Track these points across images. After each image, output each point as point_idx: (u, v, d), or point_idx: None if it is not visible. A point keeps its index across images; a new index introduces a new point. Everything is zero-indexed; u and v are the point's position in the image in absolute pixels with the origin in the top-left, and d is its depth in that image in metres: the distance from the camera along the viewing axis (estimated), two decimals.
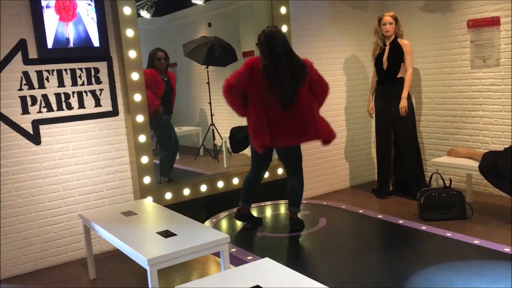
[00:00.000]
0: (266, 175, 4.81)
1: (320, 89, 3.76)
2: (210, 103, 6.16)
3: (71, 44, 3.79)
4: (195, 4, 5.81)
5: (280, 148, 3.80)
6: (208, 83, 6.18)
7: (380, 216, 4.12)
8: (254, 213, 4.39)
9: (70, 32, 3.77)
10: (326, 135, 3.75)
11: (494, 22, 4.60)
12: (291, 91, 3.57)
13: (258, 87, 3.61)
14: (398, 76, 4.88)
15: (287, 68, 3.58)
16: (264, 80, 3.57)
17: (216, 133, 6.18)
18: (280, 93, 3.55)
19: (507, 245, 3.32)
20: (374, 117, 5.17)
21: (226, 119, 6.36)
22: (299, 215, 3.95)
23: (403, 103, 4.79)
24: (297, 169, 3.86)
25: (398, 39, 4.86)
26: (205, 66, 6.11)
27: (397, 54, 4.83)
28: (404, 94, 4.80)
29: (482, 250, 3.27)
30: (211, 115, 6.19)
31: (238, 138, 5.83)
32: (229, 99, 3.71)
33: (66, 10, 3.73)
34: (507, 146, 4.22)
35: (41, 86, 3.76)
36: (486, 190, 4.90)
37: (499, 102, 4.70)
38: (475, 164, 4.19)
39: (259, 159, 3.91)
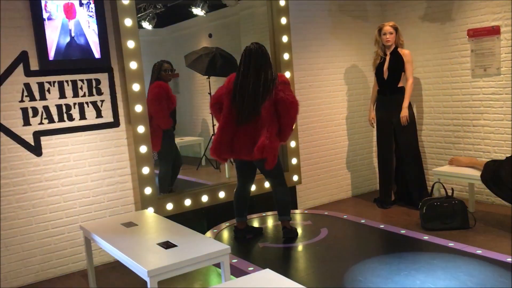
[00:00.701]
0: (267, 185, 4.81)
1: (282, 108, 3.60)
2: (211, 113, 6.17)
3: (76, 39, 3.81)
4: (196, 15, 5.84)
5: (255, 161, 3.77)
6: (209, 93, 6.19)
7: (382, 226, 4.10)
8: (256, 223, 4.38)
9: (72, 28, 3.81)
10: (270, 157, 3.62)
11: (494, 31, 4.61)
12: (250, 106, 3.61)
13: (225, 100, 3.73)
14: (399, 85, 4.89)
15: (252, 83, 3.61)
16: (230, 94, 3.70)
17: None
18: (239, 107, 3.65)
19: (510, 255, 3.30)
20: (375, 126, 5.17)
21: None
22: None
23: (404, 112, 4.79)
24: (277, 180, 3.88)
25: (399, 49, 4.87)
26: (207, 76, 6.13)
27: (397, 64, 4.84)
28: (405, 103, 4.80)
29: (484, 260, 3.24)
30: (213, 125, 6.19)
31: None
32: (212, 112, 3.95)
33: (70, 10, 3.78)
34: (508, 155, 4.20)
35: (43, 97, 3.78)
36: (489, 199, 4.88)
37: (500, 111, 4.69)
38: (477, 173, 4.17)
39: (242, 172, 3.96)
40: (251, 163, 3.85)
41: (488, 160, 4.32)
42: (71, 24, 3.81)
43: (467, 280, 2.97)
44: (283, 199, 3.89)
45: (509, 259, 3.21)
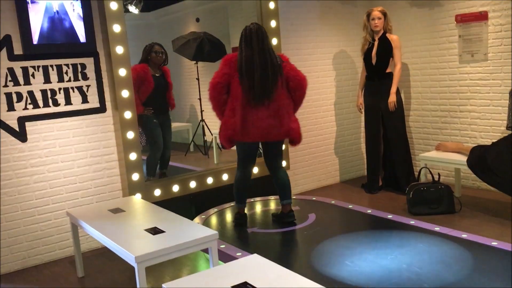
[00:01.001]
0: (256, 170, 4.82)
1: (295, 84, 3.72)
2: (200, 99, 6.12)
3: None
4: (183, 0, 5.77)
5: (276, 142, 3.80)
6: (197, 79, 6.14)
7: (370, 211, 4.14)
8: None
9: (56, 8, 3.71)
10: (297, 136, 3.78)
11: (482, 16, 4.62)
12: (263, 86, 3.59)
13: (234, 83, 3.63)
14: (387, 71, 4.89)
15: (263, 63, 3.59)
16: (237, 76, 3.62)
17: (206, 129, 6.15)
18: (252, 88, 3.58)
19: (495, 239, 3.35)
20: (363, 112, 5.18)
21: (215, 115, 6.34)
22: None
23: (392, 98, 4.80)
24: (281, 162, 3.94)
25: (387, 34, 4.86)
26: (195, 61, 6.08)
27: (386, 49, 4.83)
28: (393, 89, 4.81)
29: (470, 244, 3.29)
30: (201, 111, 6.16)
31: None
32: (215, 98, 3.71)
33: None
34: (495, 141, 4.24)
35: (27, 82, 3.72)
36: (474, 184, 4.94)
37: (487, 96, 4.72)
38: (464, 158, 4.21)
39: (250, 157, 3.88)
40: (257, 147, 3.86)
41: (475, 145, 4.36)
42: (55, 4, 3.73)
43: (453, 264, 3.01)
44: (287, 181, 3.92)
45: (494, 243, 3.25)
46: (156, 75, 4.84)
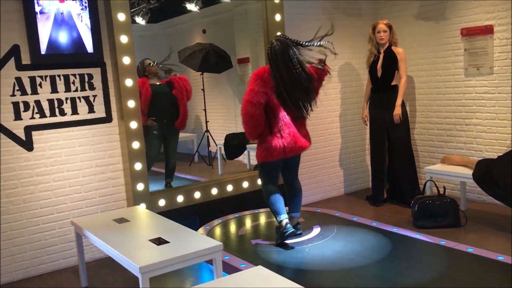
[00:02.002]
0: (260, 182, 4.80)
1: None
2: (205, 109, 6.14)
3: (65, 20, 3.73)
4: (190, 11, 5.81)
5: (290, 156, 3.76)
6: (203, 89, 6.16)
7: (374, 224, 4.11)
8: (248, 221, 4.38)
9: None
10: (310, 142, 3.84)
11: (488, 30, 4.63)
12: (300, 105, 3.64)
13: (273, 101, 3.61)
14: (392, 83, 4.89)
15: (302, 77, 3.58)
16: (276, 91, 3.60)
17: (210, 140, 6.16)
18: (291, 107, 3.61)
19: (501, 253, 3.32)
20: (368, 124, 5.18)
21: (220, 126, 6.35)
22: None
23: (397, 110, 4.80)
24: (297, 173, 3.97)
25: (392, 47, 4.88)
26: (200, 72, 6.11)
27: (391, 62, 4.84)
28: (398, 101, 4.81)
29: (475, 258, 3.26)
30: (206, 122, 6.17)
31: (233, 144, 5.83)
32: (254, 117, 3.57)
33: None
34: (500, 154, 4.23)
35: (34, 92, 3.74)
36: (480, 198, 4.91)
37: (493, 110, 4.71)
38: (469, 172, 4.19)
39: (278, 169, 3.86)
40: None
41: (480, 159, 4.34)
42: (63, 15, 3.77)
43: (458, 278, 2.98)
44: (300, 193, 3.96)
45: (500, 257, 3.23)
46: (156, 83, 4.88)
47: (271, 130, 3.64)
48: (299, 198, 3.93)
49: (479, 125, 4.85)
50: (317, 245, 3.72)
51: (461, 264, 3.19)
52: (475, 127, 4.88)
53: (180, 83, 5.07)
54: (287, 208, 3.89)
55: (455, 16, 4.90)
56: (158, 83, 4.90)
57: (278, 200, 3.77)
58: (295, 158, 3.85)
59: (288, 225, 3.68)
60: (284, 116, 3.62)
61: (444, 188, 4.43)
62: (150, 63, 4.93)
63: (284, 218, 3.73)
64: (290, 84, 3.56)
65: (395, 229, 3.92)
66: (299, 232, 3.90)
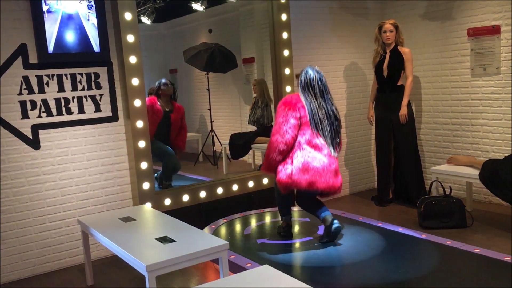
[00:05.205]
0: (265, 181, 4.82)
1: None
2: (210, 109, 6.15)
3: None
4: (196, 11, 5.82)
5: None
6: (208, 89, 6.17)
7: (380, 224, 4.10)
8: (254, 220, 4.38)
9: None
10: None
11: (495, 30, 4.61)
12: (337, 133, 3.64)
13: (308, 128, 3.56)
14: (399, 83, 4.88)
15: (334, 110, 3.62)
16: (310, 124, 3.54)
17: (215, 140, 6.17)
18: (326, 136, 3.56)
19: (507, 254, 3.31)
20: (374, 124, 5.17)
21: (225, 126, 6.35)
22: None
23: (403, 110, 4.79)
24: None
25: (399, 47, 4.87)
26: (206, 72, 6.11)
27: (397, 62, 4.83)
28: (404, 101, 4.80)
29: (482, 258, 3.25)
30: (211, 122, 6.18)
31: (238, 144, 5.83)
32: (282, 153, 3.55)
33: None
34: (507, 155, 4.21)
35: (41, 90, 3.76)
36: (486, 198, 4.89)
37: (500, 110, 4.69)
38: (475, 172, 4.17)
39: (290, 195, 3.81)
40: None
41: (487, 159, 4.33)
42: (71, 14, 3.78)
43: (464, 279, 2.97)
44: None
45: (507, 258, 3.21)
46: (166, 109, 4.95)
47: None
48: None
49: (486, 126, 4.83)
50: (323, 244, 3.71)
51: (468, 264, 3.18)
52: (482, 128, 4.87)
53: (178, 110, 5.14)
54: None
55: (462, 16, 4.89)
56: (167, 109, 4.98)
57: (285, 197, 3.75)
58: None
59: (334, 220, 3.62)
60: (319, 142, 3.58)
61: (450, 188, 4.41)
62: (167, 84, 4.99)
63: (327, 215, 3.63)
64: (333, 108, 3.61)
65: (401, 230, 3.91)
66: (338, 229, 3.70)
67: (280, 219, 3.95)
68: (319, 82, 3.59)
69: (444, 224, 4.19)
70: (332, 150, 3.59)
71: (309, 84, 3.59)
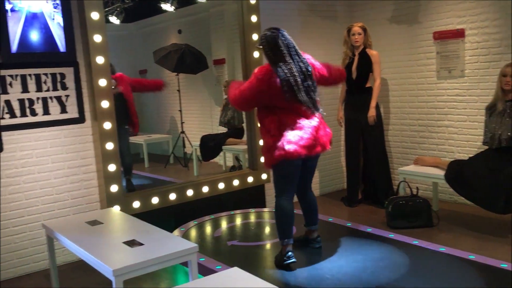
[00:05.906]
0: (236, 183, 4.80)
1: (337, 77, 3.75)
2: (180, 110, 6.10)
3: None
4: (165, 11, 5.77)
5: (310, 159, 3.39)
6: (178, 90, 6.12)
7: (349, 224, 4.15)
8: (224, 222, 4.36)
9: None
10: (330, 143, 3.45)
11: (459, 34, 4.73)
12: (312, 94, 3.29)
13: (279, 96, 3.21)
14: (367, 85, 4.95)
15: (304, 69, 3.29)
16: (276, 89, 3.20)
17: (186, 141, 6.12)
18: (298, 99, 3.20)
19: (472, 253, 3.39)
20: (343, 126, 5.22)
21: (196, 127, 6.32)
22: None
23: (372, 112, 4.86)
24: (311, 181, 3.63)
25: (367, 49, 4.94)
26: (176, 73, 6.06)
27: (365, 64, 4.90)
28: (373, 103, 4.87)
29: (447, 257, 3.32)
30: (182, 123, 6.13)
31: (209, 146, 5.80)
32: (242, 109, 3.86)
33: None
34: (472, 155, 4.32)
35: (4, 91, 3.65)
36: (452, 198, 5.00)
37: (464, 112, 4.81)
38: (441, 172, 4.27)
39: (296, 175, 3.35)
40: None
41: (452, 160, 4.43)
42: (35, 13, 3.69)
43: (431, 277, 3.03)
44: (316, 203, 3.63)
45: (471, 256, 3.29)
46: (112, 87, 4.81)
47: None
48: (315, 210, 3.59)
49: (451, 127, 4.94)
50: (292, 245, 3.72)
51: (434, 263, 3.25)
52: (447, 129, 4.98)
53: (120, 80, 4.88)
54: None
55: (428, 19, 4.99)
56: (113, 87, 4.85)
57: (291, 218, 3.34)
58: (309, 161, 3.41)
59: (291, 253, 3.28)
60: (291, 114, 3.27)
61: (417, 188, 4.50)
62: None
63: (287, 243, 3.28)
64: (303, 66, 3.30)
65: (369, 230, 3.96)
66: (319, 245, 3.61)
67: (282, 243, 3.32)
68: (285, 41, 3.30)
69: (411, 223, 4.26)
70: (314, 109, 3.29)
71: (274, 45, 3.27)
